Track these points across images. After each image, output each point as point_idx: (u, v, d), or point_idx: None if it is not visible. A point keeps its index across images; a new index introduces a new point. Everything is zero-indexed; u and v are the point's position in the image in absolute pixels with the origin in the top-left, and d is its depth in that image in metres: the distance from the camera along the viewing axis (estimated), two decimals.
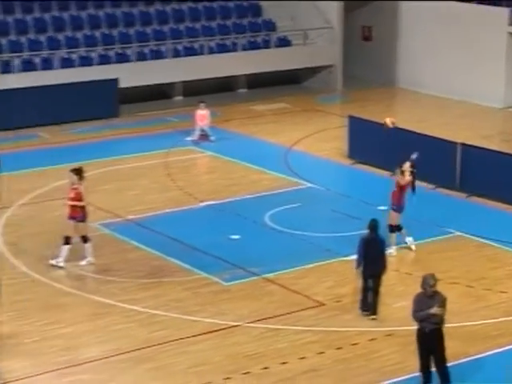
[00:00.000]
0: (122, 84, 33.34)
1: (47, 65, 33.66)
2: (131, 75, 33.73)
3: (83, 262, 20.95)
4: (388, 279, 19.22)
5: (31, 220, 23.49)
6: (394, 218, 21.50)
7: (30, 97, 31.71)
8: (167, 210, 24.58)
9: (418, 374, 15.81)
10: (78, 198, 20.69)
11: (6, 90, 31.45)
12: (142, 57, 35.34)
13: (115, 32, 35.71)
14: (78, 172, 20.89)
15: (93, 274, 20.61)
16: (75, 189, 20.75)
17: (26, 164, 27.72)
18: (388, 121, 25.63)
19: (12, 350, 17.36)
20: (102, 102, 32.82)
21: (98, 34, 35.35)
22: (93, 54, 34.69)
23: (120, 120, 33.09)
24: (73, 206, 20.73)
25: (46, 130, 31.45)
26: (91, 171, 27.13)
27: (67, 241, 20.80)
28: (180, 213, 24.50)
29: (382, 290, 18.66)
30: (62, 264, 20.80)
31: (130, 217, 23.98)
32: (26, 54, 33.61)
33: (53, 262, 20.79)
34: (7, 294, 19.54)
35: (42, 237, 22.14)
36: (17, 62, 33.20)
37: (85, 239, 20.96)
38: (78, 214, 20.73)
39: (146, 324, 18.57)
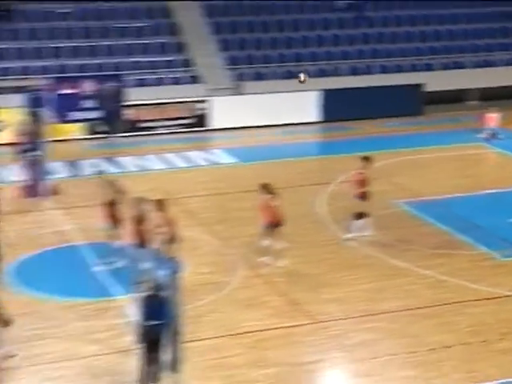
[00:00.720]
0: (428, 88, 32.85)
1: (369, 70, 33.74)
2: (436, 81, 33.17)
3: (364, 233, 20.67)
4: None
5: (346, 195, 23.56)
6: None
7: (354, 96, 31.84)
8: (457, 194, 23.97)
9: None
10: (364, 180, 20.44)
11: (336, 89, 31.80)
12: (445, 67, 34.70)
13: (424, 46, 35.24)
14: (367, 159, 20.65)
15: (392, 242, 20.43)
16: (362, 173, 20.50)
17: (347, 149, 27.83)
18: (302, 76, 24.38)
19: (326, 298, 17.61)
20: (410, 102, 32.50)
21: (410, 46, 35.03)
22: (405, 63, 34.41)
23: (424, 118, 32.59)
24: (359, 188, 20.46)
25: (364, 123, 31.49)
26: (398, 158, 27.11)
27: (360, 216, 20.57)
28: (468, 197, 23.80)
29: None
30: (365, 233, 20.74)
31: (427, 197, 23.60)
32: (352, 62, 33.85)
33: (351, 235, 20.72)
34: (323, 253, 19.85)
35: (351, 210, 22.00)
36: (344, 67, 33.54)
37: (361, 216, 20.55)
38: (362, 194, 20.47)
39: (433, 287, 18.23)
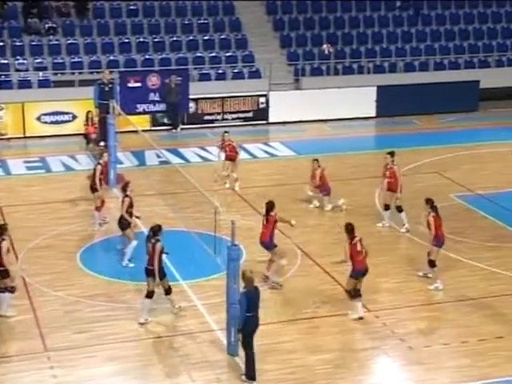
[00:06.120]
0: (483, 85, 32.43)
1: (424, 67, 33.47)
2: (491, 78, 32.73)
3: (402, 229, 20.50)
4: None
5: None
6: None
7: (409, 92, 31.56)
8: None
9: None
10: (393, 175, 20.38)
11: (392, 85, 31.58)
12: (501, 64, 34.25)
13: (480, 43, 34.80)
14: (392, 154, 20.61)
15: (446, 235, 19.97)
16: (390, 168, 20.45)
17: (402, 144, 27.56)
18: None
19: (381, 288, 17.57)
20: (465, 99, 32.05)
21: (465, 44, 34.64)
22: (460, 61, 34.05)
23: (478, 114, 32.14)
24: (389, 182, 20.42)
25: (420, 119, 31.21)
26: (453, 153, 26.83)
27: (386, 207, 20.67)
28: None
29: None
30: (387, 224, 20.63)
31: (481, 192, 23.36)
32: (408, 59, 33.59)
33: (381, 224, 20.76)
34: (378, 244, 19.74)
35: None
36: (401, 64, 33.31)
37: (399, 209, 20.53)
38: (395, 187, 20.37)
39: (486, 278, 18.11)
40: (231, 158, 23.39)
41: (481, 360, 14.90)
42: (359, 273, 16.17)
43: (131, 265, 18.32)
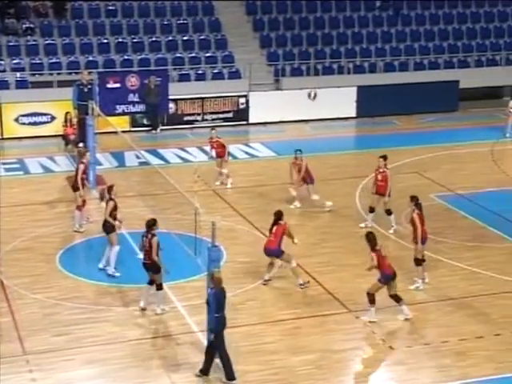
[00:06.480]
0: (462, 85, 32.58)
1: (404, 67, 33.56)
2: (470, 78, 32.89)
3: (391, 231, 20.57)
4: None
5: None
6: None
7: (389, 92, 31.65)
8: (491, 189, 23.79)
9: None
10: (384, 179, 20.39)
11: (372, 86, 31.67)
12: (480, 64, 34.43)
13: (459, 43, 34.95)
14: (385, 158, 20.61)
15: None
16: (383, 172, 20.46)
17: (382, 144, 27.65)
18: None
19: (361, 288, 17.54)
20: (445, 99, 32.16)
21: (445, 44, 34.78)
22: (440, 60, 34.19)
23: (458, 114, 32.26)
24: (379, 185, 20.46)
25: (400, 119, 31.28)
26: (433, 153, 26.93)
27: (371, 210, 20.70)
28: (502, 192, 23.60)
29: None
30: (369, 224, 20.62)
31: (461, 192, 23.46)
32: (388, 59, 33.68)
33: (364, 225, 20.70)
34: (359, 244, 19.77)
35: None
36: (380, 64, 33.40)
37: (388, 212, 20.59)
38: (384, 191, 20.38)
39: (466, 278, 18.17)
40: (219, 154, 23.56)
41: (461, 360, 14.95)
42: (388, 277, 16.16)
43: (117, 274, 17.94)
